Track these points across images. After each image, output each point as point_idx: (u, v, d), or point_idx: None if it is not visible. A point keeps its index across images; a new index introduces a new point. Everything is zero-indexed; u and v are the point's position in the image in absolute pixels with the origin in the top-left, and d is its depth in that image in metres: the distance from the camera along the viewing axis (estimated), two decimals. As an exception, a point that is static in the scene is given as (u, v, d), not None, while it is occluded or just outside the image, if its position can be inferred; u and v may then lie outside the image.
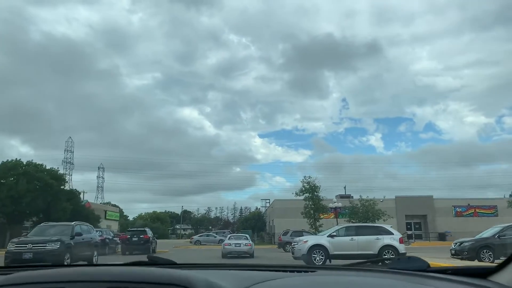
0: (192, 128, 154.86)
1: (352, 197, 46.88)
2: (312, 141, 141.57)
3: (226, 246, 23.75)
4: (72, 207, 44.92)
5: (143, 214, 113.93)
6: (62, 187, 46.98)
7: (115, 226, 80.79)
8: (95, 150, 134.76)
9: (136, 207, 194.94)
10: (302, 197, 38.98)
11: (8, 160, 42.71)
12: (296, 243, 19.05)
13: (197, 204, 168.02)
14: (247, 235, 26.95)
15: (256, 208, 68.11)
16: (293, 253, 18.83)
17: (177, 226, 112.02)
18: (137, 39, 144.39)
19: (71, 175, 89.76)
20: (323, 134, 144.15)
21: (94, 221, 48.59)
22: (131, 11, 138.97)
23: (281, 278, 1.41)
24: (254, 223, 60.48)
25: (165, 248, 39.92)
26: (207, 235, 55.24)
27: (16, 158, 43.21)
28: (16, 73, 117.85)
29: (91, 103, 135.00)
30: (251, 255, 23.40)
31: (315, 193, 38.57)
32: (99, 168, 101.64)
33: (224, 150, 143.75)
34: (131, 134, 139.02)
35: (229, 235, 28.04)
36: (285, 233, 34.94)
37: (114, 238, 32.22)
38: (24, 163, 43.44)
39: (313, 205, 38.63)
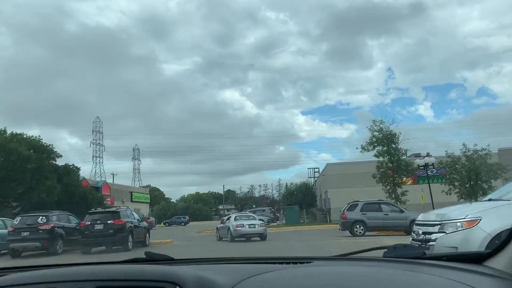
0: (234, 109, 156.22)
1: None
2: (357, 115, 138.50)
3: (238, 228, 20.49)
4: (59, 186, 34.10)
5: (185, 196, 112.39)
6: (52, 161, 36.32)
7: (145, 209, 72.88)
8: (137, 136, 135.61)
9: (180, 190, 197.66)
10: (372, 153, 25.78)
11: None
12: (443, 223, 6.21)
13: (241, 185, 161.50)
14: (254, 215, 24.00)
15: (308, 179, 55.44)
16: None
17: (220, 207, 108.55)
18: (175, 25, 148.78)
19: (102, 157, 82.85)
20: (369, 107, 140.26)
21: (95, 203, 38.64)
22: None
23: (276, 271, 1.37)
24: (301, 197, 47.83)
25: (180, 235, 28.37)
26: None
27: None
28: (58, 66, 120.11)
29: (132, 91, 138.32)
30: (264, 238, 20.97)
31: (393, 145, 25.27)
32: (133, 149, 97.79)
33: (266, 130, 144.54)
34: (172, 119, 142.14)
35: (234, 215, 23.17)
36: (352, 207, 22.07)
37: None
38: (-6, 131, 32.84)
39: (391, 163, 25.31)
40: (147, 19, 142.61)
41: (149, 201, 79.04)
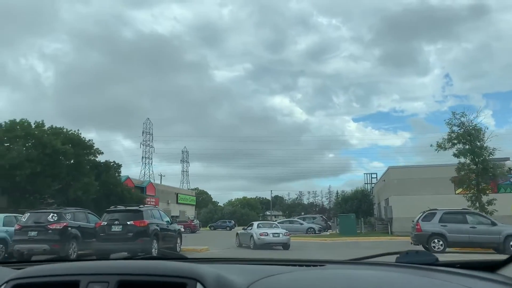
0: (283, 115, 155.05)
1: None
2: (412, 122, 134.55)
3: (262, 236, 19.70)
4: (97, 183, 32.04)
5: (232, 200, 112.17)
6: (92, 157, 34.48)
7: (191, 212, 71.10)
8: (187, 140, 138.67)
9: (228, 194, 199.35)
10: (451, 151, 21.19)
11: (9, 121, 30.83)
12: None
13: (289, 191, 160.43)
14: (276, 223, 24.50)
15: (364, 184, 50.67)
16: None
17: (267, 212, 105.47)
18: (228, 32, 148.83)
19: (151, 158, 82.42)
20: (424, 114, 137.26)
21: (133, 203, 36.24)
22: (221, 5, 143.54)
23: (290, 273, 1.40)
24: (357, 205, 43.19)
25: (220, 242, 25.18)
26: (291, 222, 39.43)
27: (22, 119, 31.20)
28: (114, 71, 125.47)
29: (183, 96, 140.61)
30: (287, 247, 19.96)
31: (478, 142, 20.59)
32: (182, 152, 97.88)
33: (315, 136, 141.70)
34: (221, 124, 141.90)
35: (257, 223, 22.47)
36: (429, 217, 17.72)
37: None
38: (32, 124, 31.31)
39: (475, 165, 20.60)
40: (200, 27, 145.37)
41: (195, 203, 77.21)
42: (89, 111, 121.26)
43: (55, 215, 14.57)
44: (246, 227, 22.82)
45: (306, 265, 1.59)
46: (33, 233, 14.16)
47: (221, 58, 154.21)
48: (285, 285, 1.26)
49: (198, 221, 55.93)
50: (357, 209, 42.21)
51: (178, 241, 17.04)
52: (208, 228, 63.92)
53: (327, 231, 39.63)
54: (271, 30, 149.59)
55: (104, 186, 33.02)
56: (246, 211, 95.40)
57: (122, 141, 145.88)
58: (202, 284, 1.11)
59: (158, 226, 15.01)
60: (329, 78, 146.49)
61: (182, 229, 41.50)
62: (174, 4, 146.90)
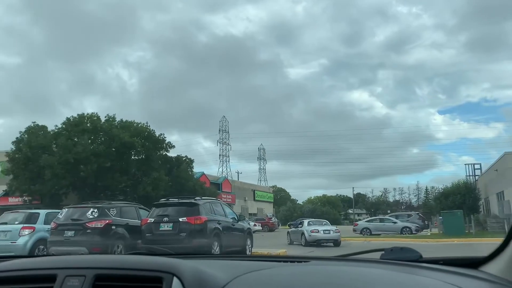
0: (361, 110, 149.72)
1: None
2: (505, 112, 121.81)
3: (313, 233, 19.95)
4: (167, 178, 29.93)
5: (312, 198, 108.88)
6: (163, 152, 32.61)
7: (269, 209, 68.26)
8: (263, 139, 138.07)
9: (306, 192, 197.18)
10: None
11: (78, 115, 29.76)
12: None
13: (371, 188, 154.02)
14: (326, 220, 24.39)
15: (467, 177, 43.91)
16: None
17: (350, 211, 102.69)
18: (301, 29, 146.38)
19: (228, 156, 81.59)
20: None
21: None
22: (295, 2, 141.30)
23: (273, 268, 1.39)
24: (460, 201, 36.87)
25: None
26: (381, 220, 34.41)
27: (92, 113, 30.03)
28: (192, 75, 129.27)
29: (258, 95, 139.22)
30: (338, 244, 20.11)
31: None
32: (259, 149, 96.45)
33: (397, 131, 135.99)
34: (297, 121, 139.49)
35: (308, 220, 22.77)
36: None
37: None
38: (101, 118, 30.00)
39: None
40: (273, 25, 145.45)
41: (272, 200, 74.33)
42: (170, 114, 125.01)
43: (96, 210, 11.82)
44: (296, 225, 23.32)
45: (291, 261, 1.58)
46: (69, 233, 11.52)
47: (295, 55, 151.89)
48: (268, 280, 1.25)
49: (276, 219, 52.66)
50: (460, 205, 35.95)
51: (248, 242, 13.56)
52: (287, 227, 60.65)
53: (425, 231, 34.17)
54: (347, 24, 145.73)
55: (175, 182, 30.85)
56: (327, 209, 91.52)
57: (202, 142, 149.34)
58: (178, 278, 1.09)
59: (219, 224, 11.63)
60: (411, 69, 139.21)
61: (260, 227, 38.79)
62: (248, 5, 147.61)
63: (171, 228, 10.81)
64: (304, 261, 1.58)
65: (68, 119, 29.10)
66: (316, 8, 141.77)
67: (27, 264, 1.26)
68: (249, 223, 19.12)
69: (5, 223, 13.28)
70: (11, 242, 12.55)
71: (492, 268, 1.38)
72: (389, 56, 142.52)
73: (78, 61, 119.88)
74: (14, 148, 27.65)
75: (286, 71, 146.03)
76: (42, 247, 12.74)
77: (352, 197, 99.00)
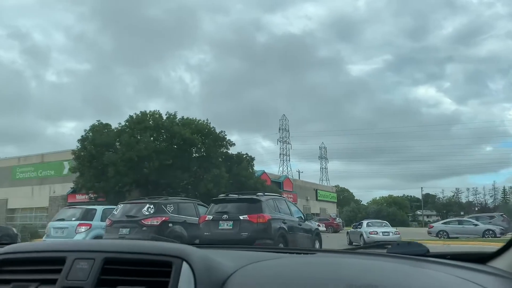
0: (428, 106, 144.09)
1: None
2: None
3: (371, 235, 19.56)
4: (228, 175, 29.17)
5: (377, 198, 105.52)
6: (224, 150, 31.98)
7: (332, 209, 65.96)
8: (324, 138, 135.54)
9: (371, 193, 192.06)
10: None
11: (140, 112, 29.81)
12: None
13: (441, 188, 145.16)
14: (386, 222, 23.29)
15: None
16: None
17: (418, 212, 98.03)
18: (363, 24, 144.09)
19: (288, 155, 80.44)
20: None
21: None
22: None
23: (279, 258, 1.42)
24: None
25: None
26: (460, 222, 31.28)
27: (153, 110, 29.99)
28: (251, 75, 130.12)
29: (318, 93, 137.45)
30: None
31: None
32: (320, 148, 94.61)
33: (468, 128, 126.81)
34: (358, 120, 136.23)
35: (366, 221, 22.25)
36: None
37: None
38: (163, 115, 29.85)
39: None
40: (333, 22, 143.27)
41: (336, 200, 71.80)
42: (230, 114, 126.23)
43: (152, 207, 10.96)
44: (355, 225, 23.29)
45: (297, 253, 1.61)
46: (124, 231, 10.74)
47: (357, 51, 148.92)
48: (272, 270, 1.25)
49: (341, 220, 50.45)
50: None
51: (317, 244, 12.10)
52: (352, 228, 58.05)
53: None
54: (412, 17, 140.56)
55: (236, 179, 30.03)
56: (393, 210, 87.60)
57: (261, 141, 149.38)
58: (188, 263, 1.10)
59: (285, 223, 10.28)
60: (483, 62, 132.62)
61: (324, 228, 36.99)
62: (307, 3, 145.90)
63: (231, 227, 9.63)
64: (311, 253, 1.62)
65: (131, 116, 29.27)
66: (379, 2, 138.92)
67: (37, 246, 1.28)
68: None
69: (63, 219, 12.90)
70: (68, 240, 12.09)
71: (500, 263, 1.36)
72: (458, 49, 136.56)
73: (143, 65, 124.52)
74: (80, 146, 28.20)
75: (347, 68, 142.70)
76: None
77: (420, 197, 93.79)
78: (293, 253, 1.59)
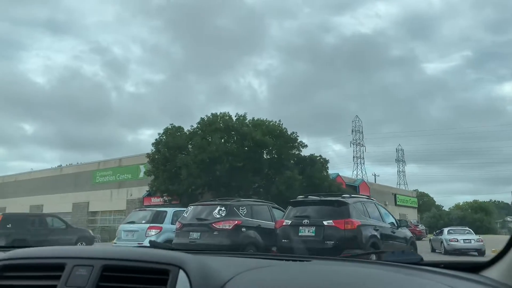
0: None
1: None
2: None
3: (451, 242, 19.50)
4: (301, 178, 27.83)
5: (460, 203, 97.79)
6: (296, 151, 30.76)
7: (413, 215, 61.76)
8: (398, 140, 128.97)
9: (452, 198, 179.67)
10: None
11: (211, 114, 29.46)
12: None
13: None
14: (469, 229, 22.28)
15: None
16: None
17: (508, 218, 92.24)
18: (438, 20, 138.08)
19: (363, 158, 77.42)
20: None
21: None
22: None
23: (275, 266, 1.42)
24: None
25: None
26: None
27: (223, 112, 29.53)
28: (319, 78, 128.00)
29: (391, 94, 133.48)
30: (482, 254, 19.11)
31: None
32: (397, 150, 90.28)
33: None
34: (436, 120, 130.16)
35: (447, 229, 21.76)
36: None
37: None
38: (233, 117, 29.28)
39: None
40: (406, 19, 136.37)
41: (416, 205, 67.30)
42: (299, 118, 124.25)
43: (224, 209, 9.94)
44: (437, 233, 23.42)
45: (293, 260, 1.60)
46: (195, 235, 9.83)
47: (432, 49, 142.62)
48: (268, 277, 1.26)
49: (423, 226, 46.83)
50: None
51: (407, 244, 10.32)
52: (432, 236, 53.89)
53: None
54: (494, 8, 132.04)
55: (309, 181, 28.56)
56: (479, 217, 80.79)
57: (331, 145, 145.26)
58: (185, 271, 1.11)
59: (377, 230, 8.72)
60: None
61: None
62: (377, 2, 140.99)
63: (313, 234, 8.28)
64: (306, 260, 1.59)
65: (202, 119, 29.05)
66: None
67: (36, 252, 1.29)
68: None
69: (133, 222, 12.36)
70: (138, 243, 11.46)
71: (493, 273, 1.36)
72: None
73: (214, 73, 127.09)
74: (154, 149, 28.44)
75: (422, 67, 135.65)
76: (170, 249, 11.43)
77: (509, 203, 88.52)
78: (289, 260, 1.60)
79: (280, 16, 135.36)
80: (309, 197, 9.61)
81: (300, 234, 8.47)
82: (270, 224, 10.38)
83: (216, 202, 10.38)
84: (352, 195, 10.02)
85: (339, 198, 8.93)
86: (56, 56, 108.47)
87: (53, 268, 1.17)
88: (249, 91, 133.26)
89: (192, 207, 10.65)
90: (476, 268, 1.43)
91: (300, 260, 1.58)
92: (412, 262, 1.51)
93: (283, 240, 8.63)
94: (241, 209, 10.15)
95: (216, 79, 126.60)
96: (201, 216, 10.09)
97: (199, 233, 9.79)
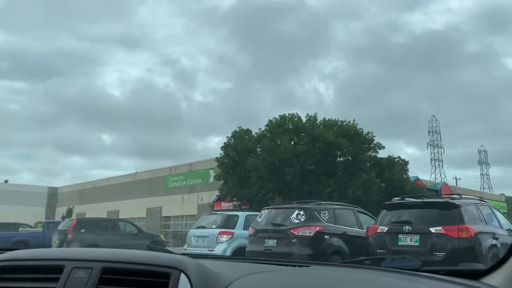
0: None
1: None
2: None
3: None
4: (379, 181, 25.82)
5: None
6: (372, 153, 28.80)
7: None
8: (479, 141, 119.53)
9: None
10: None
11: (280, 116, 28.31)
12: None
13: None
14: None
15: None
16: None
17: None
18: None
19: (441, 160, 72.34)
20: None
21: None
22: None
23: (274, 271, 1.44)
24: None
25: None
26: None
27: (292, 113, 28.28)
28: (388, 79, 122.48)
29: (467, 92, 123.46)
30: None
31: None
32: (479, 151, 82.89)
33: None
34: None
35: None
36: None
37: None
38: (303, 118, 27.95)
39: None
40: (483, 12, 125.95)
41: (506, 211, 61.23)
42: (368, 121, 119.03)
43: (303, 213, 8.66)
44: None
45: (292, 265, 1.60)
46: (271, 242, 8.66)
47: None
48: (268, 282, 1.27)
49: (517, 234, 42.04)
50: None
51: None
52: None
53: None
54: None
55: (388, 185, 26.39)
56: None
57: (404, 148, 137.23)
58: (186, 274, 1.11)
59: (497, 239, 6.98)
60: None
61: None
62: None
63: (417, 243, 6.77)
64: (306, 266, 1.59)
65: (270, 121, 28.04)
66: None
67: (35, 254, 1.28)
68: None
69: (203, 227, 11.49)
70: (209, 250, 10.55)
71: (493, 279, 1.35)
72: None
73: (279, 79, 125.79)
74: (223, 153, 27.90)
75: (503, 62, 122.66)
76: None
77: None
78: (288, 265, 1.58)
79: (345, 17, 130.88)
80: (405, 198, 8.03)
81: (400, 243, 6.97)
82: (357, 231, 8.96)
83: (294, 205, 9.14)
84: (463, 196, 8.28)
85: (449, 200, 7.30)
86: (130, 69, 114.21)
87: (52, 270, 1.17)
88: (315, 95, 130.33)
89: (266, 210, 9.49)
90: (476, 275, 1.41)
91: (299, 266, 1.58)
92: (412, 268, 1.47)
93: (378, 251, 7.17)
94: (323, 214, 8.82)
95: (281, 85, 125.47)
96: (277, 221, 8.90)
97: (275, 240, 8.62)
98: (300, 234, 8.33)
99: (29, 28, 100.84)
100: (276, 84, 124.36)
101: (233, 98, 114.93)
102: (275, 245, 8.54)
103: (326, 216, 8.83)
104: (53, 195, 59.07)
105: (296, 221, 8.54)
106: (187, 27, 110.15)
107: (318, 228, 8.42)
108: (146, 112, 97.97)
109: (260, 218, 9.34)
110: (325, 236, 8.47)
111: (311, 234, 8.31)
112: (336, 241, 8.60)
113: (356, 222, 9.39)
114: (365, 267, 1.58)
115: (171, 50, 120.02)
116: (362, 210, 10.11)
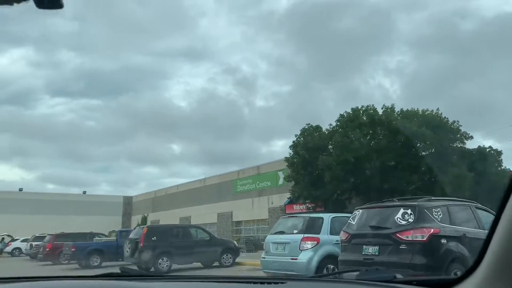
0: None
1: None
2: None
3: None
4: (471, 174, 22.97)
5: None
6: (459, 144, 25.90)
7: None
8: None
9: None
10: None
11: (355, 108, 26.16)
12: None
13: None
14: None
15: None
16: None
17: None
18: None
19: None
20: None
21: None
22: None
23: None
24: None
25: None
26: None
27: (367, 105, 26.06)
28: (457, 69, 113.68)
29: None
30: None
31: None
32: None
33: None
34: None
35: None
36: None
37: None
38: (380, 110, 25.67)
39: None
40: None
41: None
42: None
43: (410, 212, 6.89)
44: None
45: (267, 283, 1.55)
46: (371, 249, 6.99)
47: None
48: None
49: None
50: None
51: None
52: None
53: None
54: None
55: (480, 178, 23.38)
56: None
57: (481, 141, 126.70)
58: None
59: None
60: None
61: None
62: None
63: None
64: (281, 283, 1.56)
65: (341, 115, 26.00)
66: None
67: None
68: None
69: (282, 232, 10.02)
70: (291, 259, 9.08)
71: None
72: None
73: (341, 78, 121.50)
74: (292, 153, 26.37)
75: None
76: (332, 266, 8.76)
77: None
78: (263, 283, 1.53)
79: (407, 8, 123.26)
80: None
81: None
82: (478, 233, 7.02)
83: (397, 203, 7.38)
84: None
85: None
86: (194, 81, 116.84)
87: None
88: (380, 91, 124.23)
89: (360, 210, 7.81)
90: (448, 284, 1.41)
91: (274, 283, 1.54)
92: (385, 280, 1.49)
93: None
94: (435, 212, 7.00)
95: (343, 84, 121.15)
96: (376, 223, 7.21)
97: (376, 247, 6.94)
98: (410, 238, 6.58)
99: (100, 48, 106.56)
100: (338, 83, 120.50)
101: (294, 100, 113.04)
102: (377, 253, 6.86)
103: (440, 215, 6.99)
104: (128, 204, 61.05)
105: (403, 222, 6.80)
106: (245, 34, 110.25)
107: (432, 230, 6.62)
108: (211, 120, 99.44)
109: (353, 220, 7.69)
110: (442, 240, 6.66)
111: (424, 239, 6.53)
112: (455, 246, 6.75)
113: (476, 221, 7.45)
114: (339, 280, 1.65)
115: (231, 59, 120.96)
116: (480, 205, 8.09)
